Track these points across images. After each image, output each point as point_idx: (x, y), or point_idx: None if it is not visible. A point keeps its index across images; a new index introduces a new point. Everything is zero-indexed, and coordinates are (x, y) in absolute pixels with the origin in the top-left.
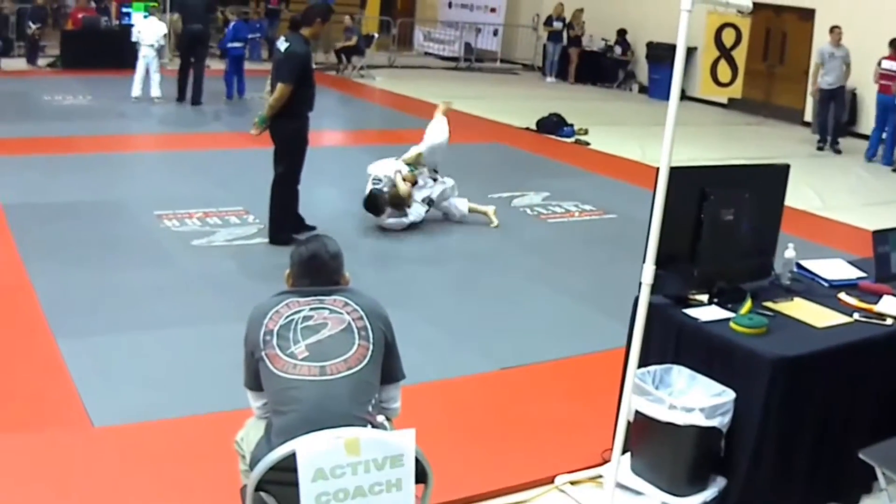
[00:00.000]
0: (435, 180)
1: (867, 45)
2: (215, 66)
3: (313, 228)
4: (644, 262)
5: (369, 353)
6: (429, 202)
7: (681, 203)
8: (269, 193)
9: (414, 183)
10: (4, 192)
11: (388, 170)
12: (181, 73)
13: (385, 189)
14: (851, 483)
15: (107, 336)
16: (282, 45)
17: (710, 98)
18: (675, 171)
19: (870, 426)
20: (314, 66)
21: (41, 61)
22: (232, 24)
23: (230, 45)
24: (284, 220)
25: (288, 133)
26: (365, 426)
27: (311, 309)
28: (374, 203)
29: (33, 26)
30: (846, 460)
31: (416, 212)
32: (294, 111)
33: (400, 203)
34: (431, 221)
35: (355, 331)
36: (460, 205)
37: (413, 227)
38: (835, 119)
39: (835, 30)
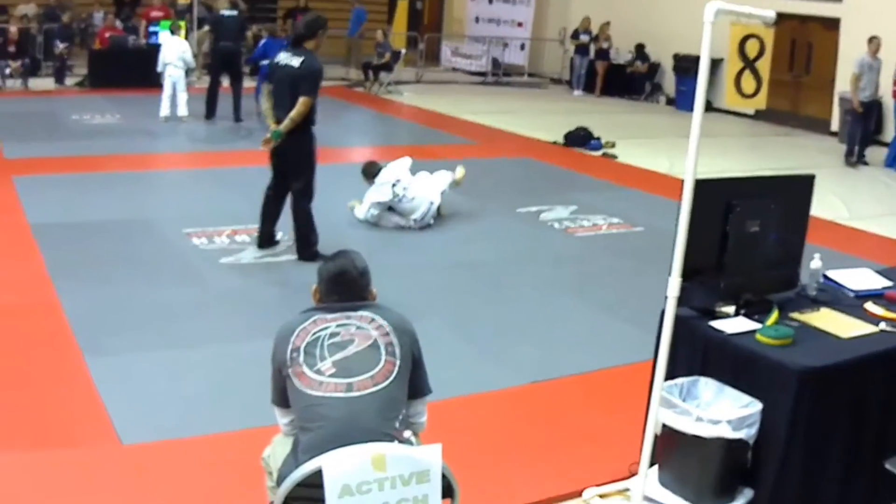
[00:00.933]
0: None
1: (891, 55)
2: (245, 83)
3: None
4: (670, 274)
5: (396, 368)
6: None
7: (707, 215)
8: (293, 211)
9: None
10: (33, 210)
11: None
12: (210, 91)
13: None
14: (882, 495)
15: (135, 354)
16: (291, 60)
17: (737, 109)
18: (700, 184)
19: None
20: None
21: (69, 81)
22: (263, 41)
23: (263, 62)
24: (311, 236)
25: (307, 147)
26: (392, 442)
27: (338, 325)
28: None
29: (61, 45)
30: (876, 471)
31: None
32: (309, 125)
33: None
34: (454, 232)
35: (382, 347)
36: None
37: (438, 238)
38: (867, 131)
39: (873, 40)
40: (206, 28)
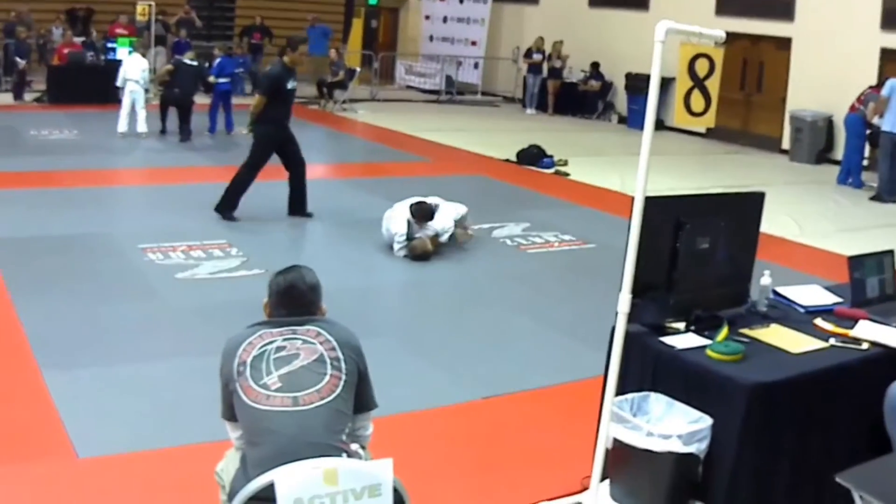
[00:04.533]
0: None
1: (842, 74)
2: (200, 100)
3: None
4: (621, 291)
5: (342, 382)
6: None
7: (657, 232)
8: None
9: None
10: None
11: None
12: (162, 108)
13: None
14: None
15: (92, 368)
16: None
17: (688, 127)
18: (650, 201)
19: (847, 450)
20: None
21: (27, 96)
22: (217, 60)
23: (219, 80)
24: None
25: (260, 134)
26: (340, 455)
27: (284, 339)
28: (421, 207)
29: (21, 62)
30: (825, 484)
31: None
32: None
33: (419, 256)
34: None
35: (328, 361)
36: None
37: (391, 254)
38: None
39: None
40: (169, 68)
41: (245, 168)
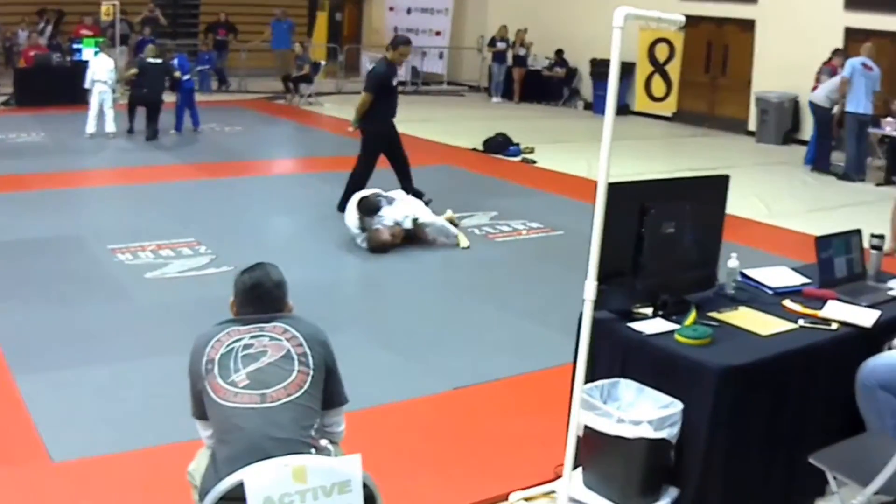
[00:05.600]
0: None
1: (806, 54)
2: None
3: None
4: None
5: (309, 378)
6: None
7: (621, 218)
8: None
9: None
10: None
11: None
12: (130, 108)
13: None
14: (804, 488)
15: (64, 371)
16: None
17: (653, 112)
18: (614, 187)
19: (819, 431)
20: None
21: None
22: (174, 58)
23: (184, 78)
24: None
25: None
26: (309, 451)
27: (252, 337)
28: (367, 201)
29: None
30: (798, 466)
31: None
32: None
33: (378, 248)
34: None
35: (295, 357)
36: (449, 227)
37: (358, 247)
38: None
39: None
40: (134, 70)
41: (360, 166)
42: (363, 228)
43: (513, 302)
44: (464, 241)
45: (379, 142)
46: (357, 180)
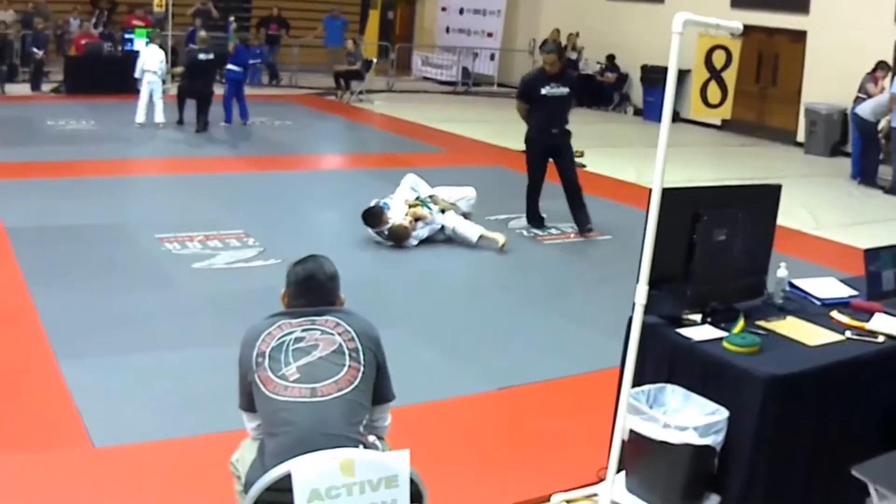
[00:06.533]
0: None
1: (856, 66)
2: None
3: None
4: (638, 282)
5: (360, 373)
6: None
7: (674, 224)
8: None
9: (418, 219)
10: (8, 215)
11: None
12: (180, 99)
13: (389, 219)
14: (845, 500)
15: (108, 358)
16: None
17: (704, 120)
18: (667, 193)
19: (863, 442)
20: None
21: (45, 87)
22: (235, 47)
23: (228, 67)
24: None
25: (525, 140)
26: (357, 446)
27: (303, 330)
28: (371, 214)
29: (38, 52)
30: (840, 477)
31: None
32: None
33: (399, 237)
34: (429, 242)
35: (346, 352)
36: (470, 234)
37: (408, 247)
38: None
39: None
40: (180, 69)
41: (528, 181)
42: (380, 233)
43: (559, 304)
44: (500, 239)
45: (532, 152)
46: (528, 199)
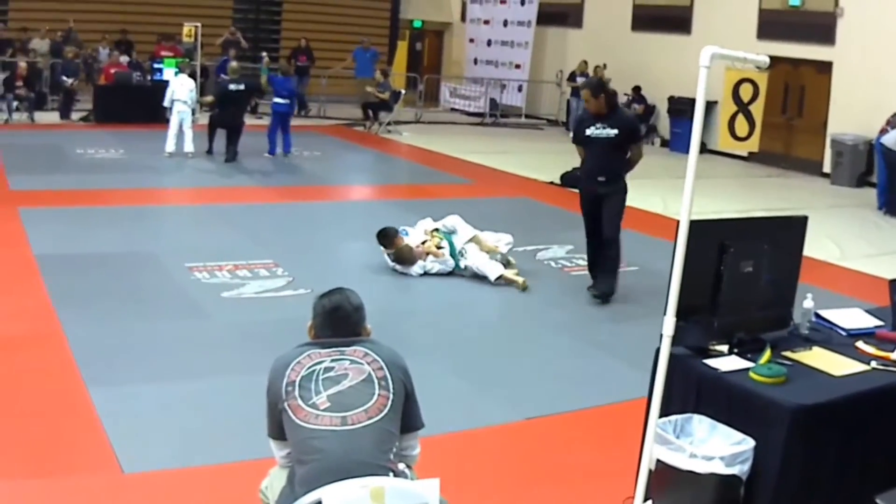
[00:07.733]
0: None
1: (882, 98)
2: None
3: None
4: (665, 313)
5: (389, 402)
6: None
7: (701, 255)
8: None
9: (429, 254)
10: (38, 242)
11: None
12: (210, 129)
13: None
14: None
15: (137, 385)
16: (605, 130)
17: (732, 151)
18: (695, 224)
19: (887, 472)
20: None
21: (74, 115)
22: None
23: (275, 101)
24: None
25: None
26: (387, 474)
27: (332, 360)
28: (384, 235)
29: (68, 80)
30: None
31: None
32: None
33: (403, 259)
34: (455, 274)
35: (375, 381)
36: (490, 273)
37: (437, 277)
38: None
39: None
40: (210, 98)
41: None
42: (390, 255)
43: (587, 335)
44: (520, 281)
45: (580, 199)
46: (588, 255)
